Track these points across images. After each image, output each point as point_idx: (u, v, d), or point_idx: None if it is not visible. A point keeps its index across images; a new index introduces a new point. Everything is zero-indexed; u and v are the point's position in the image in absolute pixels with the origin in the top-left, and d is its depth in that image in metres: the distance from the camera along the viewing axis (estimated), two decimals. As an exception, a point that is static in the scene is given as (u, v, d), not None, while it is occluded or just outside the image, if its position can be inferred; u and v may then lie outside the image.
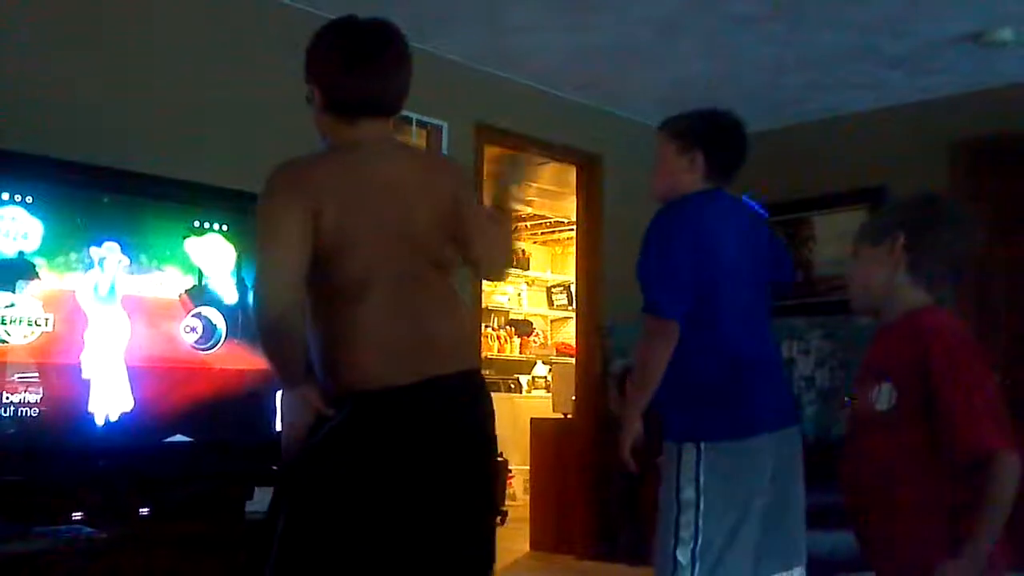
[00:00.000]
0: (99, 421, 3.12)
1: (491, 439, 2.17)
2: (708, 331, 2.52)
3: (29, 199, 3.03)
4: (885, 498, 2.05)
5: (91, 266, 3.14)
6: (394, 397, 2.01)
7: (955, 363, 1.97)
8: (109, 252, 3.18)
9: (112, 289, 3.19)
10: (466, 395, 2.12)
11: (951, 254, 2.09)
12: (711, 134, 2.70)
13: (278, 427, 3.14)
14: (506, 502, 7.03)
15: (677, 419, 2.56)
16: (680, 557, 2.45)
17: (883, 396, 2.03)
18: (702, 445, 2.47)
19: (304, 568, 1.95)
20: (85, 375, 3.11)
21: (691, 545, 2.45)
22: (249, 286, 3.42)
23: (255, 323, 2.05)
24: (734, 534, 2.46)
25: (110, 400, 3.16)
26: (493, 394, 7.01)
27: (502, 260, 2.47)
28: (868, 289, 2.15)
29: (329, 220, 2.00)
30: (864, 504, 2.11)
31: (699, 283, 2.51)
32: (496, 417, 2.19)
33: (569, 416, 5.92)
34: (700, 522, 2.45)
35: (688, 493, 2.47)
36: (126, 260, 3.20)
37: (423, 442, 2.02)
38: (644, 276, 2.57)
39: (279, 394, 2.08)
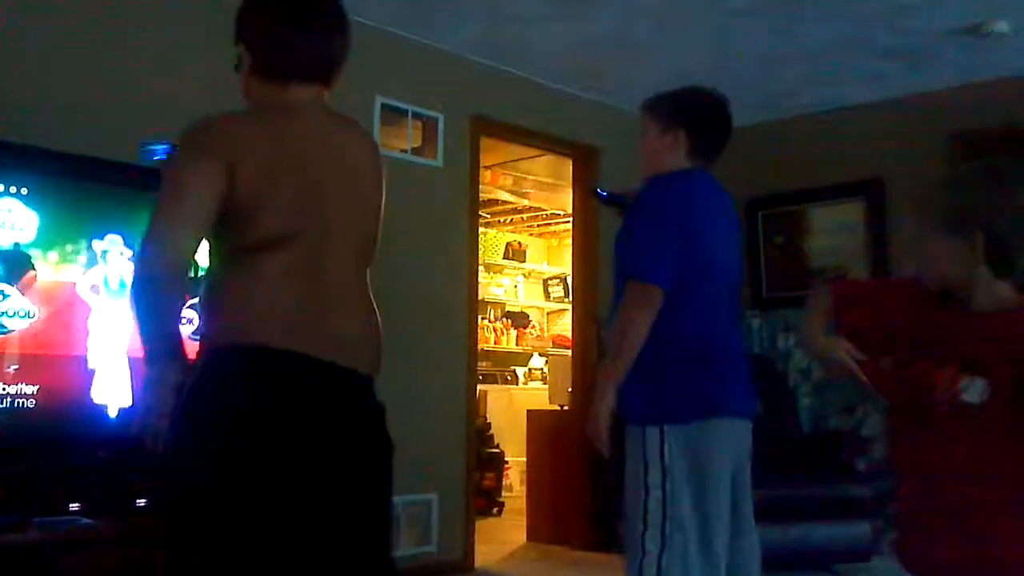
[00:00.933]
0: (98, 412, 3.12)
1: (381, 446, 2.01)
2: (678, 312, 2.51)
3: (25, 191, 3.03)
4: (969, 493, 1.86)
5: (92, 259, 3.14)
6: (270, 356, 1.84)
7: None
8: (112, 245, 3.18)
9: (113, 281, 3.19)
10: (366, 396, 1.99)
11: None
12: (694, 112, 2.70)
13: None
14: (503, 493, 7.05)
15: (639, 402, 2.55)
16: (648, 543, 2.45)
17: (975, 389, 1.81)
18: (665, 427, 2.48)
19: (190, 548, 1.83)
20: (85, 366, 3.11)
21: (660, 528, 2.45)
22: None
23: (137, 278, 1.84)
24: (703, 516, 2.47)
25: (110, 391, 3.16)
26: (490, 386, 6.99)
27: None
28: (944, 278, 1.93)
29: (245, 176, 1.86)
30: (942, 496, 1.91)
31: (680, 260, 2.50)
32: (390, 441, 2.03)
33: (565, 408, 5.93)
34: (667, 505, 2.45)
35: (654, 476, 2.47)
36: (129, 252, 3.20)
37: (293, 414, 1.86)
38: (629, 244, 2.57)
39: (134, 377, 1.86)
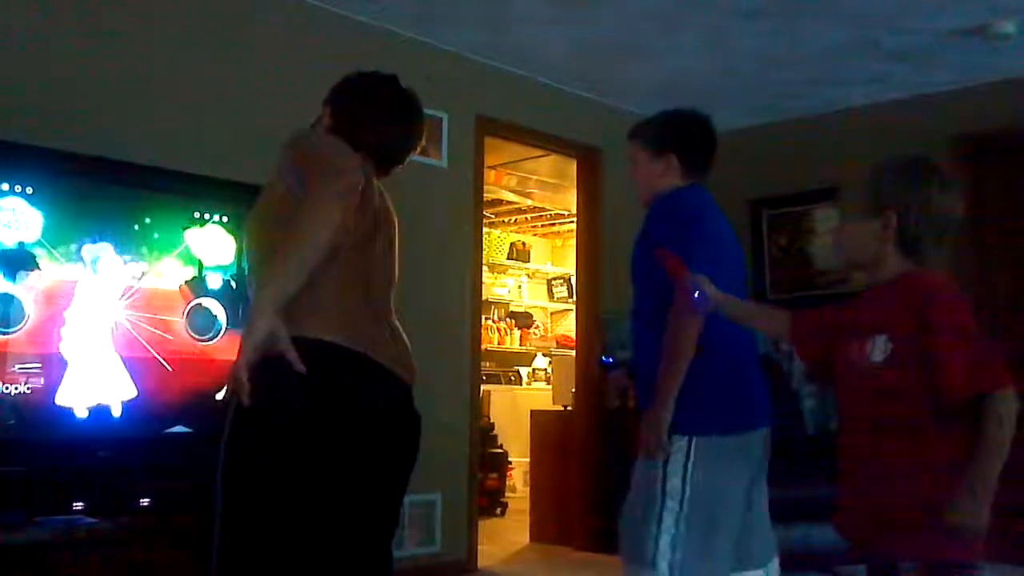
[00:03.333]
0: (100, 412, 3.13)
1: (412, 438, 2.24)
2: (708, 324, 2.50)
3: (29, 190, 3.03)
4: (879, 452, 2.04)
5: (91, 260, 3.15)
6: (347, 354, 2.04)
7: (954, 312, 2.00)
8: (104, 248, 3.18)
9: (113, 282, 3.19)
10: (402, 394, 2.19)
11: (941, 223, 2.13)
12: (681, 135, 2.76)
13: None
14: (506, 494, 7.05)
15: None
16: (662, 545, 2.45)
17: (877, 348, 2.04)
18: (693, 440, 2.48)
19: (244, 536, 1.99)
20: (86, 365, 3.12)
21: (672, 534, 2.45)
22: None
23: (300, 228, 1.90)
24: (714, 527, 2.47)
25: (111, 391, 3.16)
26: (493, 387, 7.03)
27: None
28: (857, 255, 2.18)
29: (366, 194, 2.10)
30: (857, 465, 2.10)
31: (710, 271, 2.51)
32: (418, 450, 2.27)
33: (569, 408, 5.93)
34: (685, 511, 2.45)
35: (675, 483, 2.47)
36: (125, 259, 3.21)
37: (354, 407, 2.05)
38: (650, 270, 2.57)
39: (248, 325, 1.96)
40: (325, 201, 1.90)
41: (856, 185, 2.22)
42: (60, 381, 3.07)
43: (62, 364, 3.08)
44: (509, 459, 7.24)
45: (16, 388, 2.98)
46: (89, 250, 3.16)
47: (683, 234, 2.56)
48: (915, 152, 2.23)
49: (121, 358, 3.19)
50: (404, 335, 2.24)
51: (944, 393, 1.96)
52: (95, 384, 3.14)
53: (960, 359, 1.96)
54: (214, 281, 3.42)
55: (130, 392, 3.20)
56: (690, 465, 2.47)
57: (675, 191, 2.68)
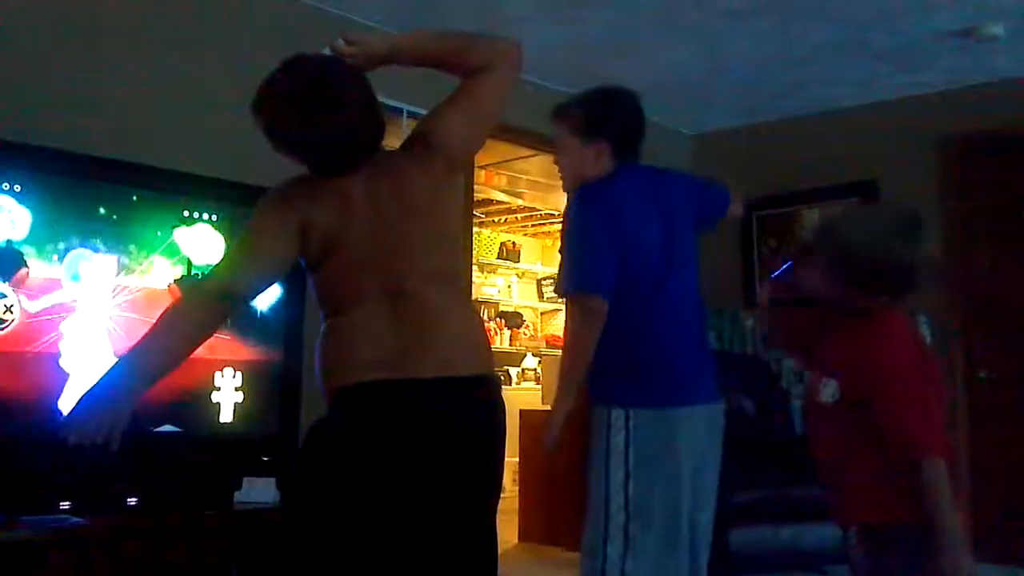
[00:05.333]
0: (87, 411, 3.11)
1: (486, 440, 2.18)
2: (633, 302, 2.56)
3: (18, 188, 3.02)
4: (837, 478, 2.26)
5: (79, 257, 3.13)
6: (367, 389, 2.04)
7: (894, 368, 2.12)
8: (96, 247, 3.17)
9: (101, 281, 3.18)
10: (455, 396, 2.10)
11: (905, 270, 2.15)
12: (613, 120, 2.70)
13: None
14: (495, 494, 7.04)
15: (605, 384, 2.61)
16: (611, 524, 2.49)
17: (827, 390, 2.18)
18: (630, 411, 2.52)
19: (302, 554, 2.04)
20: (74, 364, 3.10)
21: (623, 511, 2.49)
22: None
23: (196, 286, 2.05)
24: (664, 500, 2.50)
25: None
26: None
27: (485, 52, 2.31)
28: (819, 294, 2.26)
29: (317, 232, 2.07)
30: (824, 479, 2.32)
31: (620, 258, 2.54)
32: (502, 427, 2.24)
33: (558, 408, 5.92)
34: (630, 487, 2.47)
35: (617, 458, 2.51)
36: (114, 258, 3.19)
37: (392, 432, 2.04)
38: (565, 260, 2.62)
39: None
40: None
41: (825, 241, 2.27)
42: (48, 379, 3.05)
43: (50, 362, 3.06)
44: (498, 459, 7.22)
45: (2, 386, 2.96)
46: (78, 249, 3.14)
47: (571, 239, 2.61)
48: (891, 180, 2.29)
49: (111, 357, 3.18)
50: (468, 317, 2.21)
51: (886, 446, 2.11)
52: (85, 383, 3.12)
53: (895, 421, 2.10)
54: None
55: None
56: (631, 439, 2.51)
57: (585, 187, 2.66)
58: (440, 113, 2.23)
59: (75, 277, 3.14)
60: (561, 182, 2.77)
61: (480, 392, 2.13)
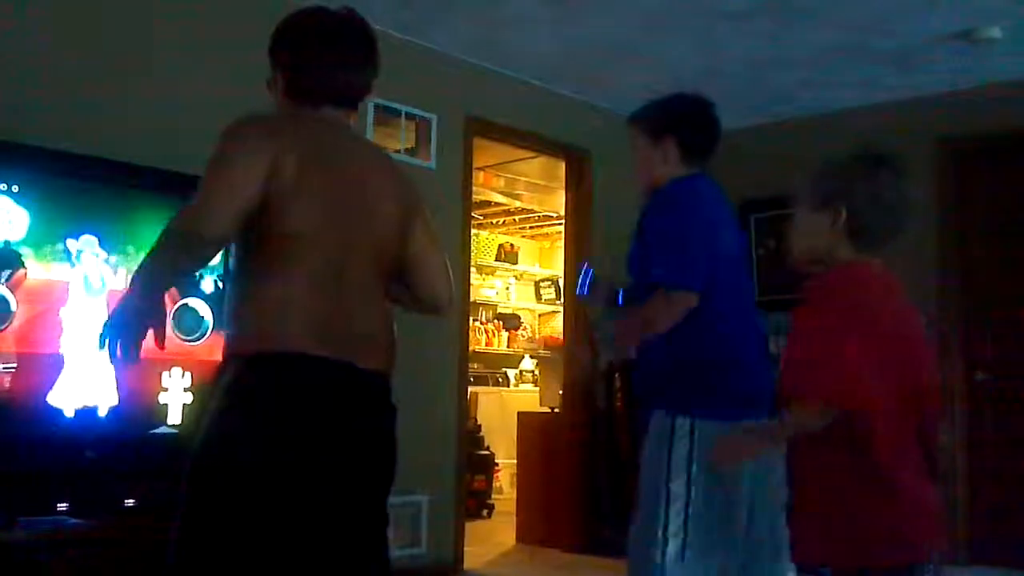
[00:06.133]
0: (85, 412, 3.11)
1: (390, 447, 2.09)
2: (712, 311, 2.53)
3: (15, 188, 3.01)
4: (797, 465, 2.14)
5: (73, 257, 3.13)
6: (299, 362, 1.90)
7: (808, 310, 2.04)
8: (87, 245, 3.16)
9: (97, 280, 3.17)
10: (380, 393, 2.06)
11: (892, 215, 2.09)
12: (680, 121, 2.70)
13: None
14: (493, 496, 7.04)
15: (672, 391, 2.56)
16: (671, 525, 2.45)
17: None
18: (696, 422, 2.48)
19: (201, 550, 1.92)
20: (72, 364, 3.10)
21: (681, 517, 2.46)
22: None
23: (173, 230, 1.92)
24: (722, 508, 2.48)
25: (96, 391, 3.14)
26: (481, 388, 7.00)
27: (444, 292, 2.32)
28: (810, 252, 2.17)
29: (287, 170, 1.92)
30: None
31: (709, 260, 2.52)
32: (397, 437, 2.11)
33: (556, 410, 5.92)
34: (691, 492, 2.46)
35: (678, 466, 2.47)
36: (103, 254, 3.19)
37: (320, 420, 1.92)
38: (660, 249, 2.55)
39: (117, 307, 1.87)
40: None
41: (805, 179, 2.22)
42: (45, 381, 3.05)
43: (48, 364, 3.06)
44: (496, 461, 7.23)
45: (1, 387, 2.96)
46: (73, 244, 3.14)
47: (677, 230, 2.55)
48: (886, 150, 2.20)
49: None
50: (387, 312, 2.12)
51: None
52: (82, 384, 3.12)
53: (790, 357, 2.01)
54: (201, 281, 3.40)
55: (117, 394, 3.18)
56: (695, 444, 2.47)
57: (672, 183, 2.65)
58: (429, 237, 2.25)
59: (74, 276, 3.13)
60: (638, 184, 2.78)
61: (386, 394, 2.09)
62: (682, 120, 2.70)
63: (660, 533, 2.46)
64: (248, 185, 1.90)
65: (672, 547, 2.45)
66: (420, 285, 2.23)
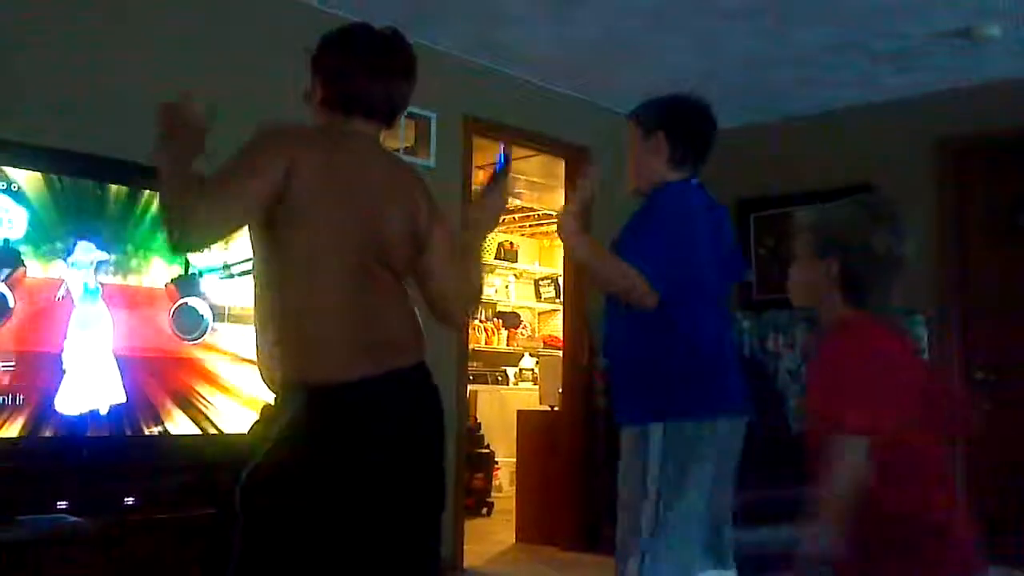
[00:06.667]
0: (85, 411, 3.11)
1: (442, 432, 2.17)
2: (680, 316, 2.57)
3: (15, 186, 3.02)
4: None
5: (74, 257, 3.13)
6: (351, 392, 1.98)
7: (830, 354, 2.08)
8: (88, 246, 3.16)
9: (96, 280, 3.18)
10: (423, 387, 2.11)
11: (885, 270, 2.13)
12: (672, 115, 2.73)
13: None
14: (492, 494, 7.05)
15: (641, 402, 2.59)
16: (643, 527, 2.50)
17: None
18: (667, 426, 2.51)
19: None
20: (71, 363, 3.10)
21: (653, 521, 2.50)
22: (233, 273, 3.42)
23: (176, 203, 1.94)
24: (694, 515, 2.52)
25: (96, 390, 3.15)
26: (480, 387, 7.00)
27: (463, 302, 2.35)
28: (805, 299, 2.23)
29: (300, 181, 1.96)
30: None
31: (676, 268, 2.54)
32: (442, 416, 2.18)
33: (556, 409, 5.93)
34: (661, 503, 2.49)
35: (654, 472, 2.51)
36: (103, 255, 3.19)
37: (384, 440, 2.00)
38: (637, 248, 2.58)
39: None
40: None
41: (802, 227, 2.24)
42: (45, 379, 3.05)
43: (47, 362, 3.06)
44: (495, 459, 7.24)
45: (0, 386, 2.96)
46: (76, 247, 3.14)
47: (648, 234, 2.59)
48: (865, 194, 2.23)
49: (108, 356, 3.18)
50: (411, 308, 2.15)
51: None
52: (82, 383, 3.12)
53: (821, 396, 2.06)
54: (201, 280, 3.40)
55: (118, 394, 3.18)
56: (668, 453, 2.50)
57: (667, 187, 2.66)
58: (445, 251, 2.27)
59: (72, 276, 3.13)
60: (630, 182, 2.79)
61: (428, 383, 2.14)
62: (675, 117, 2.73)
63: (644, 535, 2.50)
64: (255, 194, 1.96)
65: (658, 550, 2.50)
66: (434, 297, 2.24)
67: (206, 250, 2.17)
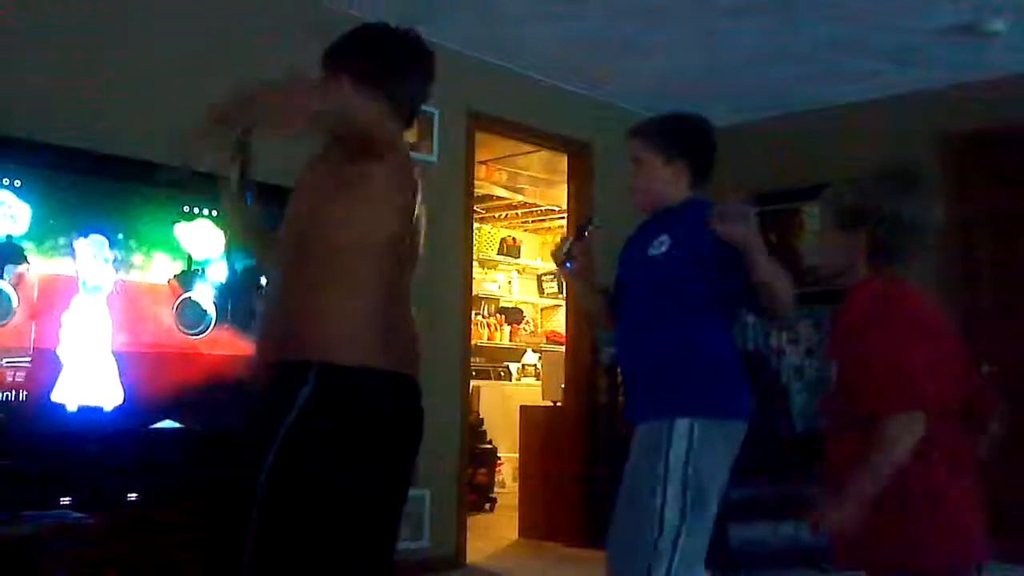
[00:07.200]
0: (88, 407, 3.12)
1: (416, 449, 2.16)
2: (715, 317, 2.61)
3: (18, 183, 3.02)
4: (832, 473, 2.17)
5: (77, 253, 3.13)
6: (380, 379, 1.97)
7: (860, 326, 2.09)
8: (96, 242, 3.17)
9: (101, 277, 3.18)
10: (417, 401, 2.11)
11: (915, 233, 2.15)
12: (694, 144, 2.76)
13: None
14: (495, 489, 7.05)
15: (670, 395, 2.57)
16: (668, 531, 2.47)
17: (832, 371, 2.19)
18: (696, 422, 2.49)
19: (285, 559, 1.92)
20: (74, 359, 3.10)
21: (675, 533, 2.47)
22: (237, 268, 3.43)
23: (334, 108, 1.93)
24: (711, 516, 2.51)
25: (100, 385, 3.15)
26: (483, 382, 7.04)
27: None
28: (834, 268, 2.26)
29: (381, 166, 1.99)
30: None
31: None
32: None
33: (558, 404, 5.93)
34: (688, 497, 2.47)
35: (677, 467, 2.48)
36: (113, 254, 3.20)
37: (394, 431, 2.02)
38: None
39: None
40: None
41: (835, 194, 2.28)
42: (48, 375, 3.06)
43: (50, 358, 3.06)
44: (498, 455, 7.24)
45: (3, 383, 2.96)
46: (78, 244, 3.14)
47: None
48: (902, 155, 2.25)
49: (111, 352, 3.18)
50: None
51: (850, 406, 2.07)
52: (85, 379, 3.13)
53: (861, 376, 2.06)
54: (204, 275, 3.40)
55: (120, 389, 3.19)
56: (694, 447, 2.48)
57: (694, 202, 2.70)
58: None
59: (75, 272, 3.14)
60: (634, 197, 2.80)
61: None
62: (696, 146, 2.76)
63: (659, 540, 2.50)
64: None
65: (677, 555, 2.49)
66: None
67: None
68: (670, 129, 2.77)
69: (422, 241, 2.15)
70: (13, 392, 2.98)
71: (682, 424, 2.51)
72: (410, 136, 4.75)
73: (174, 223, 3.35)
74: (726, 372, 2.60)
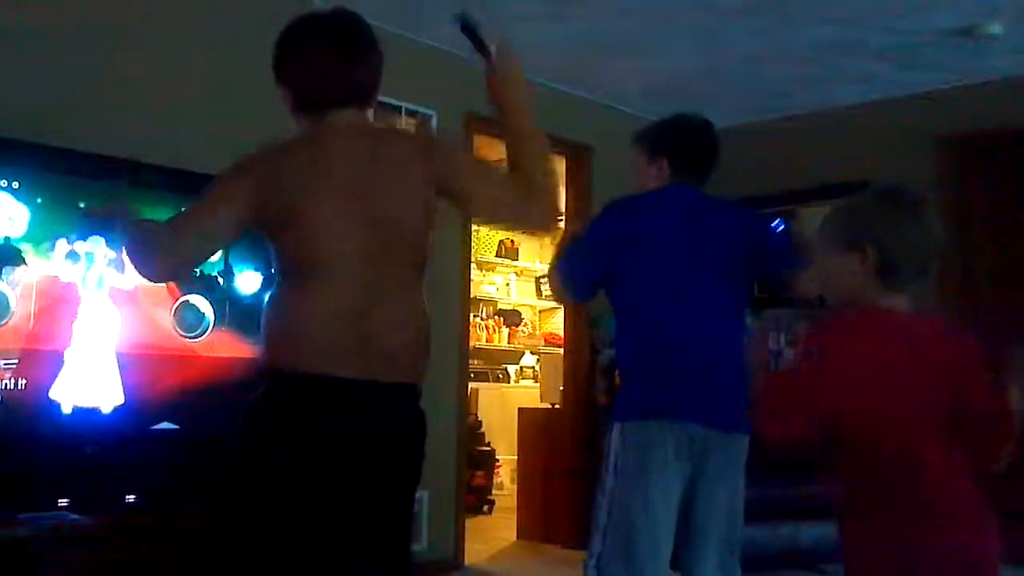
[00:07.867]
0: (87, 408, 3.11)
1: (412, 458, 2.08)
2: (630, 317, 2.74)
3: (16, 185, 3.02)
4: None
5: (78, 257, 3.13)
6: (322, 384, 1.90)
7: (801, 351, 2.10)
8: (89, 244, 3.16)
9: (100, 279, 3.18)
10: (397, 407, 2.02)
11: (919, 252, 2.11)
12: (674, 140, 2.83)
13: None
14: (493, 491, 7.05)
15: (616, 400, 2.77)
16: (599, 519, 2.63)
17: None
18: (622, 425, 2.66)
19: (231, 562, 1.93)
20: (72, 361, 3.10)
21: (605, 517, 2.62)
22: (235, 270, 3.43)
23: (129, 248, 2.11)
24: (644, 509, 2.57)
25: (97, 387, 3.15)
26: (481, 384, 7.01)
27: (527, 198, 2.22)
28: (843, 295, 2.17)
29: (283, 186, 1.95)
30: None
31: (611, 270, 2.72)
32: (425, 437, 2.09)
33: (557, 406, 5.93)
34: (613, 493, 2.62)
35: (610, 466, 2.66)
36: (112, 253, 3.19)
37: (345, 436, 1.93)
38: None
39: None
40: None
41: (827, 222, 2.21)
42: (46, 377, 3.05)
43: (48, 360, 3.06)
44: (496, 457, 7.24)
45: (1, 384, 2.96)
46: (76, 246, 3.14)
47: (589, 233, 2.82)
48: (898, 165, 2.23)
49: (110, 354, 3.18)
50: (420, 316, 2.05)
51: None
52: (83, 381, 3.12)
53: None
54: (202, 278, 3.40)
55: (118, 390, 3.18)
56: (621, 449, 2.63)
57: (629, 195, 2.82)
58: (473, 170, 2.31)
59: (73, 274, 3.13)
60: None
61: (409, 405, 2.06)
62: (676, 142, 2.83)
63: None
64: (221, 223, 2.02)
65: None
66: (494, 210, 2.34)
67: (187, 274, 2.26)
68: (653, 131, 2.88)
69: (425, 221, 2.09)
70: (11, 393, 2.98)
71: (615, 427, 2.70)
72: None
73: (172, 225, 3.34)
74: (632, 373, 2.80)
